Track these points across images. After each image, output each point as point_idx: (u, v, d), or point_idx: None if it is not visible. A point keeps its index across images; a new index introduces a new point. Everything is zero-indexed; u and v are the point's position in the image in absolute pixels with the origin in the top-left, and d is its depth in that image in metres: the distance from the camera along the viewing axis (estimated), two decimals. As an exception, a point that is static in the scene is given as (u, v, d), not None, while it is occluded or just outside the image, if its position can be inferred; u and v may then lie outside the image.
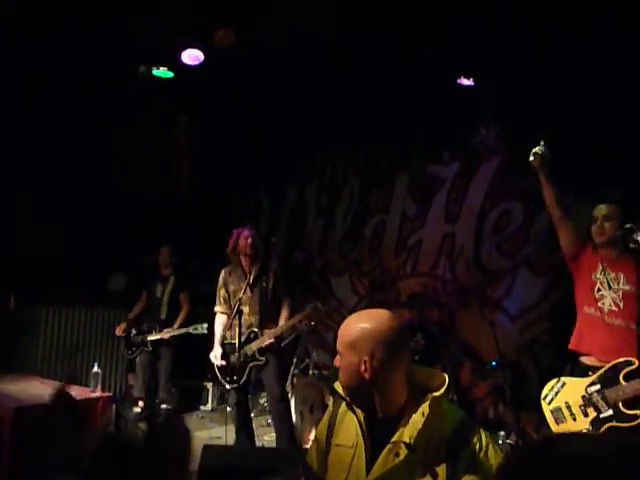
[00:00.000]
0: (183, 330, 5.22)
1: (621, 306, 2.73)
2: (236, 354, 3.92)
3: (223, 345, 4.09)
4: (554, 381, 2.82)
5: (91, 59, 4.72)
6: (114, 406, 3.73)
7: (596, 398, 2.58)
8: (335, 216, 6.74)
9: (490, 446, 1.41)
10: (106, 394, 3.91)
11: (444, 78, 4.98)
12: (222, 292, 4.20)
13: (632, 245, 2.65)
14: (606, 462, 0.69)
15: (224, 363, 4.01)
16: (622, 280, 2.77)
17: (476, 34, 4.40)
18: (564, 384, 2.76)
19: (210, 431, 4.91)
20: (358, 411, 1.53)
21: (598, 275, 2.83)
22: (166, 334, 5.25)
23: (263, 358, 3.96)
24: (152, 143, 6.46)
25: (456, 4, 4.11)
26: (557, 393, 2.76)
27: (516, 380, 4.77)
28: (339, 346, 1.53)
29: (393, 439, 1.44)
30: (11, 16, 4.16)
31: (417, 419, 1.42)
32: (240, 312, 3.86)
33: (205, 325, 5.00)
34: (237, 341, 3.87)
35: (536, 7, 4.04)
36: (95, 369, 3.89)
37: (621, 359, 2.58)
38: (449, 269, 5.69)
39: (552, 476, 0.70)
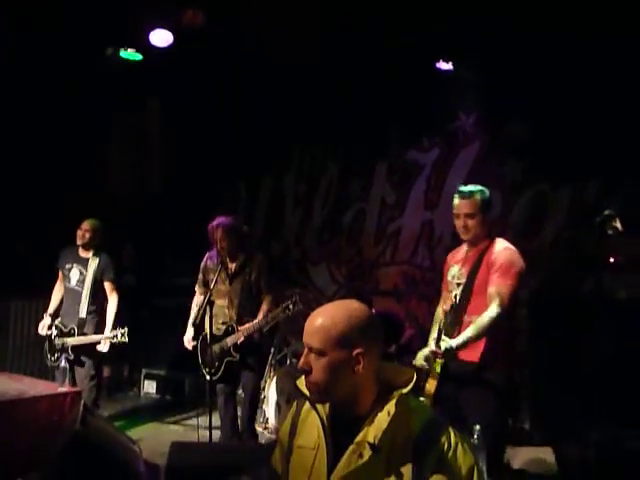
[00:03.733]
0: (98, 337, 4.26)
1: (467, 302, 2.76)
2: (211, 347, 3.81)
3: (196, 327, 4.00)
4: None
5: (56, 42, 4.53)
6: (82, 401, 3.60)
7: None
8: (313, 205, 6.65)
9: (459, 445, 1.35)
10: (74, 389, 3.78)
11: (423, 62, 4.89)
12: (201, 276, 4.14)
13: (610, 232, 2.62)
14: None
15: (193, 344, 3.99)
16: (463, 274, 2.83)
17: (456, 17, 4.32)
18: None
19: (185, 423, 4.84)
20: (321, 411, 1.44)
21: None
22: (79, 341, 4.27)
23: (237, 355, 3.85)
24: (124, 133, 6.26)
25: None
26: None
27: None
28: (320, 343, 1.37)
29: (357, 439, 1.36)
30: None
31: (382, 418, 1.35)
32: (211, 303, 3.66)
33: (124, 331, 4.17)
34: (208, 333, 3.74)
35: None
36: (63, 364, 3.75)
37: None
38: (428, 256, 5.65)
39: None
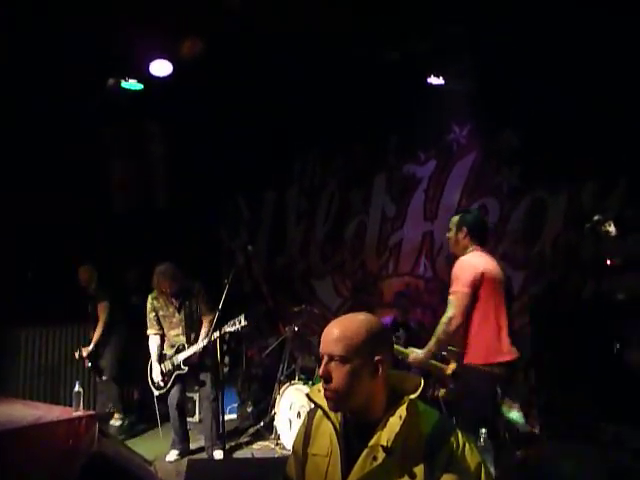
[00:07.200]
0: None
1: None
2: (163, 363, 4.62)
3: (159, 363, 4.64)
4: None
5: (58, 74, 4.66)
6: (97, 424, 3.67)
7: None
8: (315, 219, 6.75)
9: (467, 445, 1.42)
10: (88, 412, 3.84)
11: (414, 78, 5.01)
12: (152, 315, 4.67)
13: (602, 235, 2.70)
14: None
15: (161, 379, 4.60)
16: None
17: (445, 32, 4.44)
18: None
19: (198, 442, 4.86)
20: (334, 418, 1.51)
21: None
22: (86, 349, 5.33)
23: (186, 368, 4.50)
24: (127, 158, 6.37)
25: (424, 4, 4.13)
26: None
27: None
28: (343, 351, 1.42)
29: (370, 443, 1.42)
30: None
31: (394, 422, 1.42)
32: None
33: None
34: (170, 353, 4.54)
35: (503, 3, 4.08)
36: (76, 388, 3.81)
37: None
38: (430, 267, 5.73)
39: None
